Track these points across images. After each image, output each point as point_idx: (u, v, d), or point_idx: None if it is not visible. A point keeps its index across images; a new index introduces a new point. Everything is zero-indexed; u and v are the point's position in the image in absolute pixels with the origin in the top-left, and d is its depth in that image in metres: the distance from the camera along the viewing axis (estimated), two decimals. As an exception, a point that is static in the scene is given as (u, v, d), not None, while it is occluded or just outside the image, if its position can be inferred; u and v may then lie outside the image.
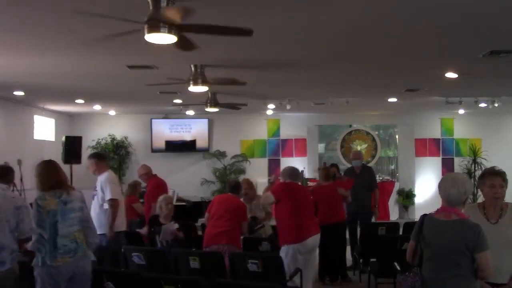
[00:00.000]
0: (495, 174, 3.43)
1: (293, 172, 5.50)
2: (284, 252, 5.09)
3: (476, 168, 12.06)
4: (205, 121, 12.67)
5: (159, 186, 7.13)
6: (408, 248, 3.35)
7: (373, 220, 7.67)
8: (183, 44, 4.11)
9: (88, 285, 3.94)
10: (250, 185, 6.37)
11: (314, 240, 5.26)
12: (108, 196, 5.78)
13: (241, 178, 11.46)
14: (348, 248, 7.28)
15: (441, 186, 3.17)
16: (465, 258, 3.01)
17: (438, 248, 3.13)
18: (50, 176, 3.90)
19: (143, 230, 5.83)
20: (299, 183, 5.82)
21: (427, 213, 3.30)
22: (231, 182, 6.04)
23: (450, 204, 3.14)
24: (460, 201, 3.11)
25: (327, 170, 7.17)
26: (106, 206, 5.80)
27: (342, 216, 6.77)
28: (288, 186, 5.34)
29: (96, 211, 5.82)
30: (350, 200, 7.07)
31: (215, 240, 5.27)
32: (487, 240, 2.99)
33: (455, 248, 3.03)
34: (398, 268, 4.89)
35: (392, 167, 14.42)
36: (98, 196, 5.89)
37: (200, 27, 3.79)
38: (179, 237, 5.55)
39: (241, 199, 6.16)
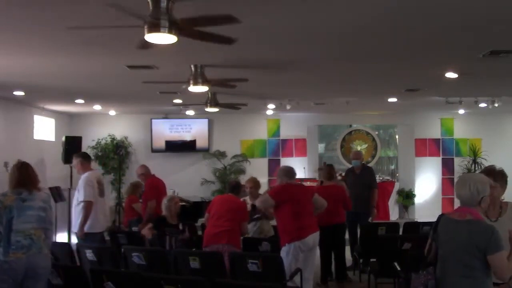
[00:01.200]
0: (485, 174, 3.41)
1: (289, 171, 5.48)
2: (285, 251, 5.08)
3: (476, 168, 12.05)
4: (205, 121, 12.67)
5: (156, 186, 7.21)
6: (427, 245, 3.34)
7: (369, 219, 7.67)
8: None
9: (45, 281, 4.11)
10: (256, 184, 6.36)
11: (314, 237, 5.25)
12: (80, 198, 6.02)
13: (241, 178, 11.49)
14: (348, 248, 7.29)
15: (455, 186, 3.15)
16: (476, 260, 2.95)
17: (449, 248, 3.10)
18: (19, 176, 4.12)
19: (147, 232, 5.80)
20: (299, 182, 5.81)
21: (445, 212, 3.29)
22: (231, 182, 6.06)
23: (464, 204, 3.10)
24: (473, 202, 3.04)
25: (330, 169, 7.11)
26: (79, 206, 6.03)
27: (342, 219, 6.74)
28: (287, 188, 5.31)
29: (74, 211, 6.16)
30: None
31: (215, 239, 5.27)
32: (501, 241, 2.93)
33: (465, 248, 2.99)
34: (398, 268, 4.91)
35: (392, 167, 14.42)
36: (75, 196, 6.16)
37: (192, 20, 3.78)
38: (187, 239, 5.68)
39: (247, 197, 6.19)
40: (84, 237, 5.92)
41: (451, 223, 3.12)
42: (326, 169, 7.12)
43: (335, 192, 6.66)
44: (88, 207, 5.94)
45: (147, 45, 4.04)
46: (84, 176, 6.13)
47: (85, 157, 6.43)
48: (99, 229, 6.17)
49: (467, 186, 3.05)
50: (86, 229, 5.95)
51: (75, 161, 6.33)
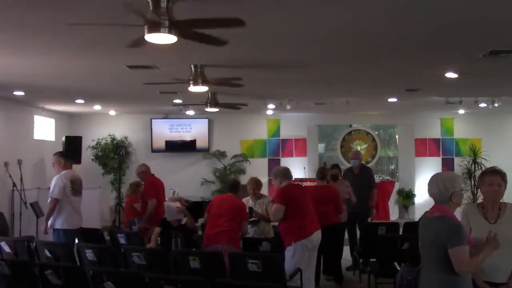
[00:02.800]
0: (494, 173, 3.49)
1: (287, 171, 5.52)
2: (291, 251, 5.09)
3: (476, 168, 12.05)
4: (205, 121, 12.67)
5: (156, 185, 7.24)
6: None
7: (369, 219, 7.66)
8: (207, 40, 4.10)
9: None
10: (258, 184, 6.31)
11: (317, 235, 5.30)
12: (50, 194, 6.29)
13: (241, 178, 11.49)
14: (348, 248, 7.26)
15: (427, 187, 3.25)
16: (445, 254, 3.02)
17: (423, 244, 3.23)
18: None
19: (153, 244, 5.78)
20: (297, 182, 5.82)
21: (426, 211, 3.38)
22: (230, 182, 6.05)
23: (437, 202, 3.19)
24: (444, 199, 3.13)
25: (323, 170, 7.07)
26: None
27: (335, 219, 6.58)
28: (288, 189, 5.33)
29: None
30: (354, 200, 7.13)
31: (214, 239, 5.27)
32: (462, 236, 3.00)
33: (434, 244, 3.09)
34: (398, 268, 4.90)
35: (392, 167, 14.44)
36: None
37: (197, 22, 3.79)
38: (188, 225, 5.68)
39: (248, 197, 6.19)
40: (46, 232, 6.20)
41: (424, 220, 3.26)
42: (319, 171, 7.01)
43: (326, 192, 6.60)
44: (52, 203, 6.18)
45: (139, 43, 4.03)
46: (60, 174, 6.39)
47: (67, 157, 6.67)
48: (73, 226, 6.36)
49: (436, 185, 3.15)
50: (62, 226, 6.21)
51: (55, 158, 6.57)
